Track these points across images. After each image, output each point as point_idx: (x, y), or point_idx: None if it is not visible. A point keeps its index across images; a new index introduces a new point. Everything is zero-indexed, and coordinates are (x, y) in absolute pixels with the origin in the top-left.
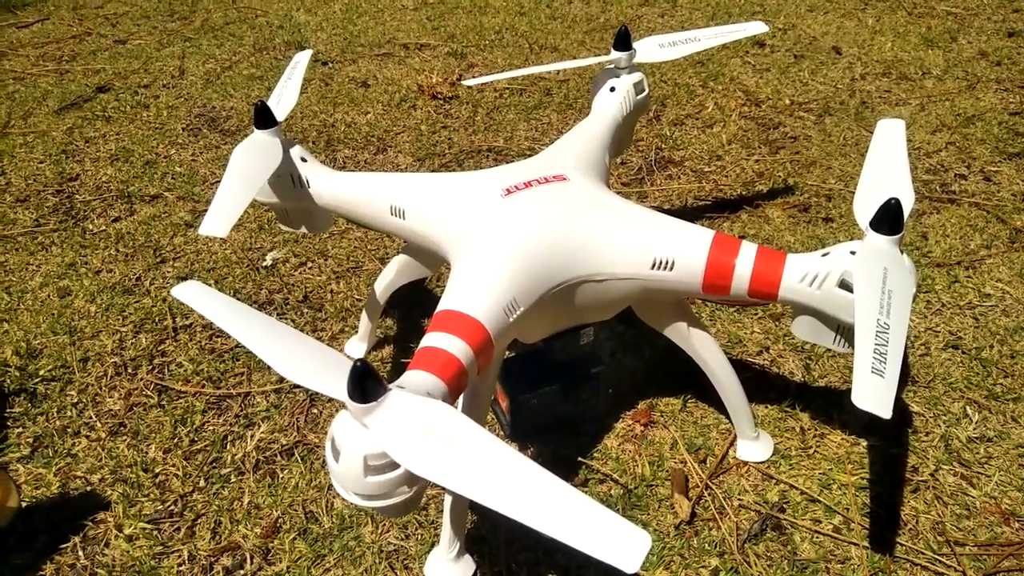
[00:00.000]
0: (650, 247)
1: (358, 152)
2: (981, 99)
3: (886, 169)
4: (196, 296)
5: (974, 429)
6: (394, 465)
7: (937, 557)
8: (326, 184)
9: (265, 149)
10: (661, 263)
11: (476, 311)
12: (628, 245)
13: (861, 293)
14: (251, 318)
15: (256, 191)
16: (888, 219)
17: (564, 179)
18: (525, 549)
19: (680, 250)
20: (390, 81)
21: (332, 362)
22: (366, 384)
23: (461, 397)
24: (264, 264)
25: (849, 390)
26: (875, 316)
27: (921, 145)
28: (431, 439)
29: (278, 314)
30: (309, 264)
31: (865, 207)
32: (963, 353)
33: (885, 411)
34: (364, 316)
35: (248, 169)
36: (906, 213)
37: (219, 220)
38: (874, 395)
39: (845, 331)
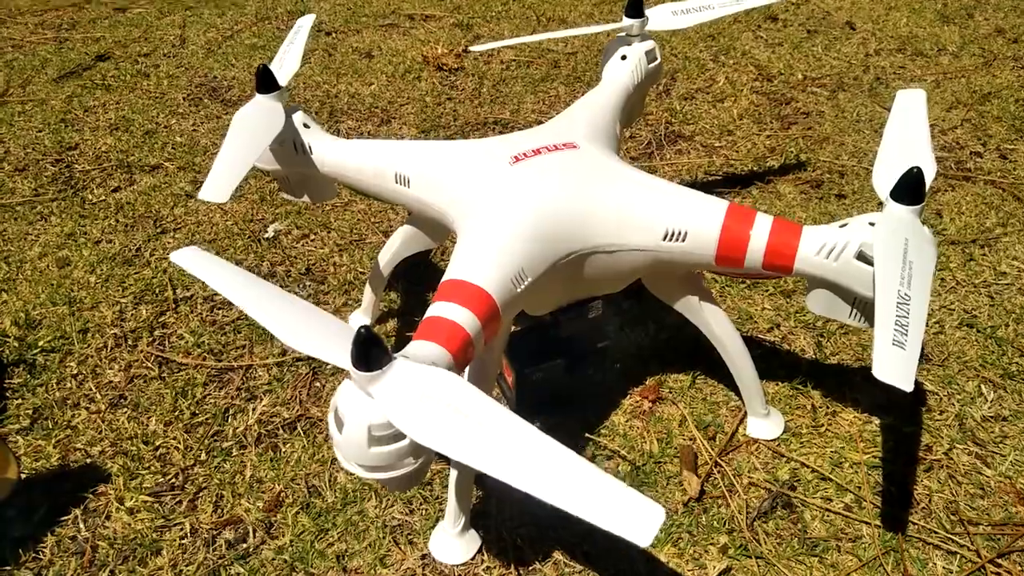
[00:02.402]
0: (662, 217)
1: (361, 123)
2: (997, 76)
3: (906, 139)
4: (195, 262)
5: (989, 408)
6: (399, 435)
7: (950, 536)
8: (329, 151)
9: (267, 114)
10: (673, 234)
11: (483, 281)
12: (639, 215)
13: (882, 264)
14: (252, 284)
15: (257, 157)
16: (910, 189)
17: (574, 147)
18: (530, 524)
19: (693, 221)
20: (394, 52)
21: (336, 330)
22: (371, 352)
23: (467, 370)
24: (266, 236)
25: (862, 367)
26: (896, 287)
27: (936, 122)
28: (438, 409)
29: (280, 287)
30: (312, 236)
31: (885, 177)
32: (978, 332)
33: (907, 384)
34: (367, 289)
35: (249, 134)
36: (928, 183)
37: (219, 185)
38: (895, 368)
39: (861, 305)
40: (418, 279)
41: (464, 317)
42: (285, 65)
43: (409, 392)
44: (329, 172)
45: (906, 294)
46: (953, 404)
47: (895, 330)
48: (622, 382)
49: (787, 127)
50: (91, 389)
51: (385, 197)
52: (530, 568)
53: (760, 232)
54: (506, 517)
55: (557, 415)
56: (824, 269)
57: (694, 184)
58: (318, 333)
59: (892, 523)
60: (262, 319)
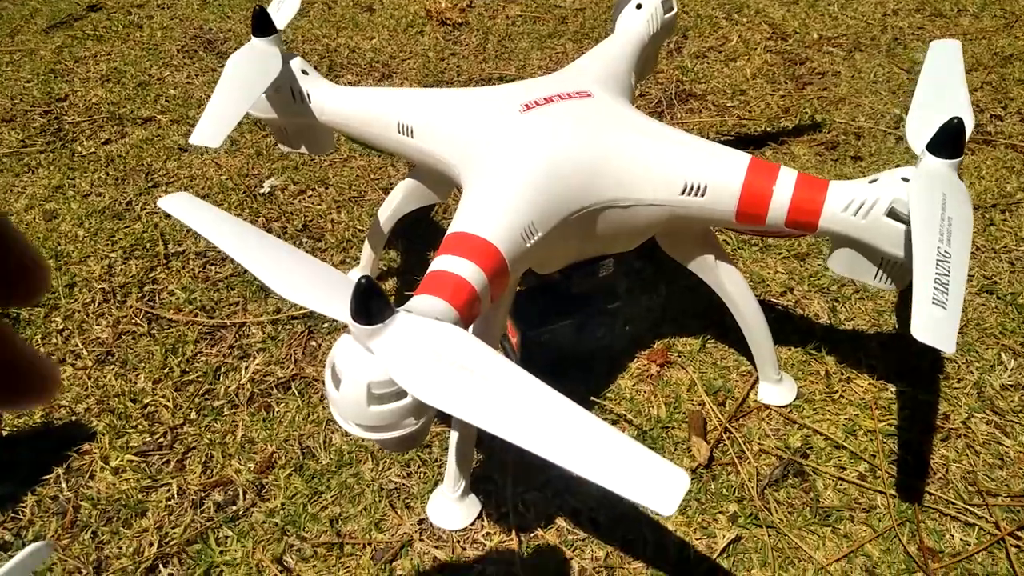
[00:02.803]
0: (681, 170)
1: (361, 78)
2: (1020, 38)
3: (942, 90)
4: (185, 208)
5: (1009, 377)
6: (401, 394)
7: (968, 507)
8: (328, 99)
9: (263, 58)
10: (692, 188)
11: (491, 234)
12: (657, 168)
13: (919, 219)
14: (245, 232)
15: (252, 102)
16: (949, 140)
17: (588, 95)
18: (533, 489)
19: (713, 174)
20: (396, 5)
21: (334, 281)
22: (371, 304)
23: (472, 329)
24: (262, 191)
25: (877, 333)
26: (935, 244)
27: None
28: (442, 365)
29: None
30: (309, 192)
31: (919, 129)
32: (998, 298)
33: (949, 345)
34: (366, 246)
35: (244, 79)
36: (967, 136)
37: (211, 130)
38: (936, 328)
39: (888, 265)
40: (419, 237)
41: (470, 271)
42: (283, 8)
43: (412, 347)
44: (328, 121)
45: (946, 251)
46: (972, 372)
47: (935, 288)
48: (630, 345)
49: (802, 87)
50: (77, 345)
51: (387, 148)
52: (532, 535)
53: (784, 187)
54: (508, 482)
55: (562, 377)
56: (852, 227)
57: None
58: (315, 284)
59: (908, 493)
60: (255, 269)
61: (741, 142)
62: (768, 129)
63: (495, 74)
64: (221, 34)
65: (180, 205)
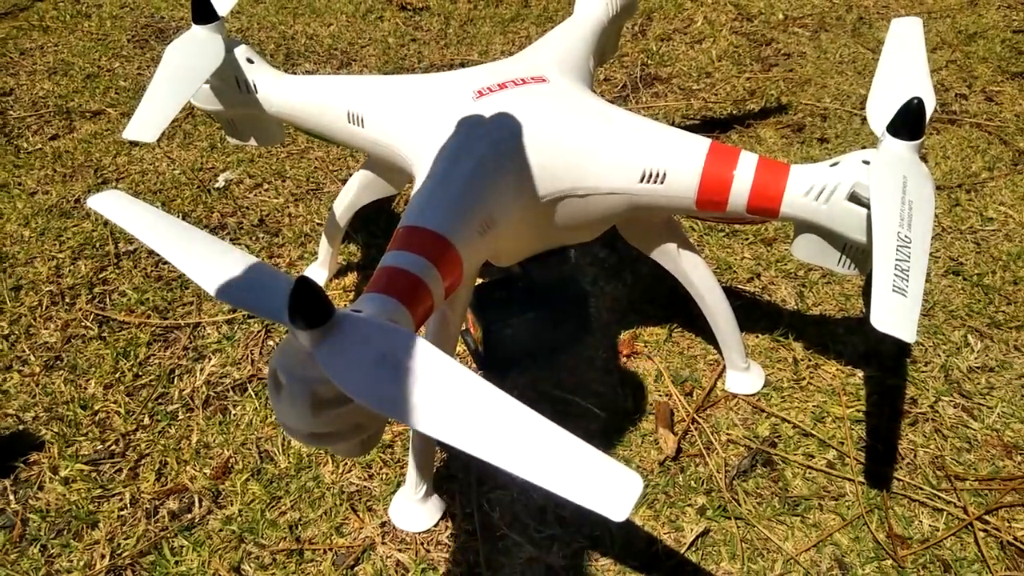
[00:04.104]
0: (639, 157)
1: (320, 66)
2: (983, 16)
3: (903, 70)
4: (115, 207)
5: (975, 359)
6: (346, 399)
7: (936, 492)
8: (275, 89)
9: (203, 46)
10: (651, 175)
11: (443, 228)
12: (614, 155)
13: (879, 204)
14: (180, 231)
15: (191, 93)
16: (909, 121)
17: (544, 80)
18: (499, 487)
19: (672, 160)
20: None
21: (272, 281)
22: (310, 305)
23: (427, 325)
24: (216, 186)
25: (845, 318)
26: (895, 229)
27: None
28: (387, 370)
29: (231, 239)
30: (265, 185)
31: (880, 110)
32: (964, 279)
33: (908, 334)
34: (324, 240)
35: (183, 68)
36: (928, 116)
37: (147, 123)
38: (896, 316)
39: (852, 250)
40: (380, 230)
41: (421, 267)
42: None
43: (355, 351)
44: (276, 112)
45: (906, 236)
46: (939, 355)
47: (895, 275)
48: (596, 336)
49: (767, 69)
50: (24, 351)
51: (338, 139)
52: (498, 534)
53: (744, 172)
54: (473, 481)
55: (527, 371)
56: (813, 212)
57: None
58: (253, 284)
59: (876, 480)
60: (189, 270)
61: (707, 126)
62: (734, 112)
63: (457, 59)
64: (173, 22)
65: (111, 203)
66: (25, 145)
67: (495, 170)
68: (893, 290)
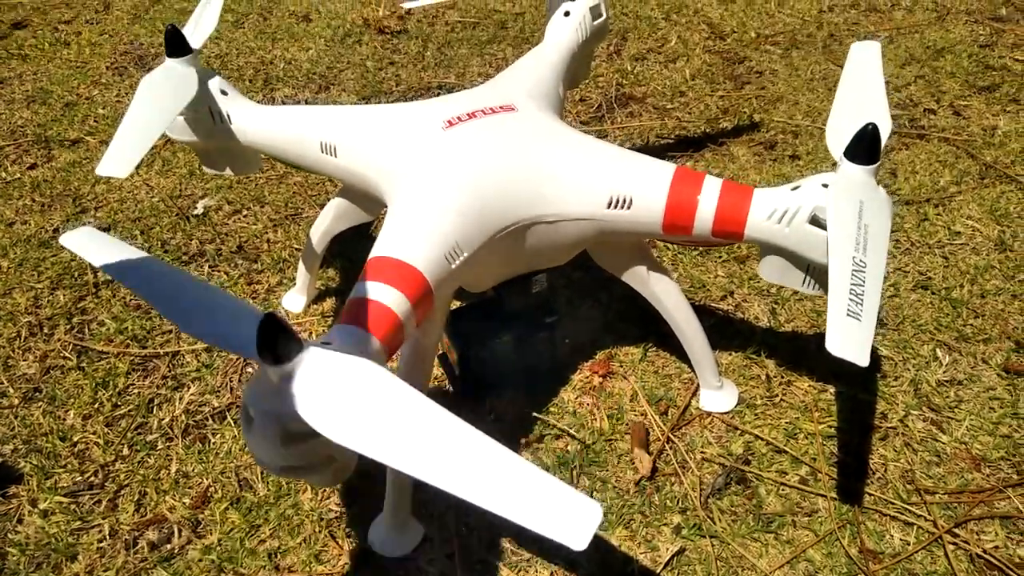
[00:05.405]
0: (606, 184)
1: (298, 91)
2: (951, 31)
3: (861, 95)
4: (87, 244)
5: (944, 372)
6: (316, 433)
7: (907, 506)
8: (250, 120)
9: (177, 80)
10: (618, 201)
11: (413, 258)
12: (582, 182)
13: (835, 228)
14: (150, 267)
15: (165, 126)
16: (864, 147)
17: (512, 109)
18: (477, 512)
19: (639, 186)
20: (333, 15)
21: (241, 316)
22: (278, 340)
23: (402, 353)
24: (195, 212)
25: (817, 335)
26: (850, 253)
27: (890, 79)
28: (354, 403)
29: (210, 266)
30: (244, 212)
31: (838, 136)
32: (932, 294)
33: (862, 358)
34: (301, 267)
35: (156, 102)
36: (883, 141)
37: (120, 158)
38: (850, 341)
39: (816, 272)
40: (358, 256)
41: (392, 298)
42: (200, 25)
43: (323, 385)
44: (251, 142)
45: (861, 260)
46: (908, 369)
47: (849, 300)
48: (571, 357)
49: (740, 87)
50: (2, 382)
51: (312, 168)
52: (477, 558)
53: (709, 197)
54: (450, 505)
55: (504, 395)
56: (776, 235)
57: (646, 148)
58: (222, 320)
59: (848, 495)
60: (160, 306)
61: (681, 144)
62: (708, 130)
63: (435, 82)
64: (152, 49)
65: (81, 241)
66: (3, 175)
67: (464, 200)
68: (848, 314)
